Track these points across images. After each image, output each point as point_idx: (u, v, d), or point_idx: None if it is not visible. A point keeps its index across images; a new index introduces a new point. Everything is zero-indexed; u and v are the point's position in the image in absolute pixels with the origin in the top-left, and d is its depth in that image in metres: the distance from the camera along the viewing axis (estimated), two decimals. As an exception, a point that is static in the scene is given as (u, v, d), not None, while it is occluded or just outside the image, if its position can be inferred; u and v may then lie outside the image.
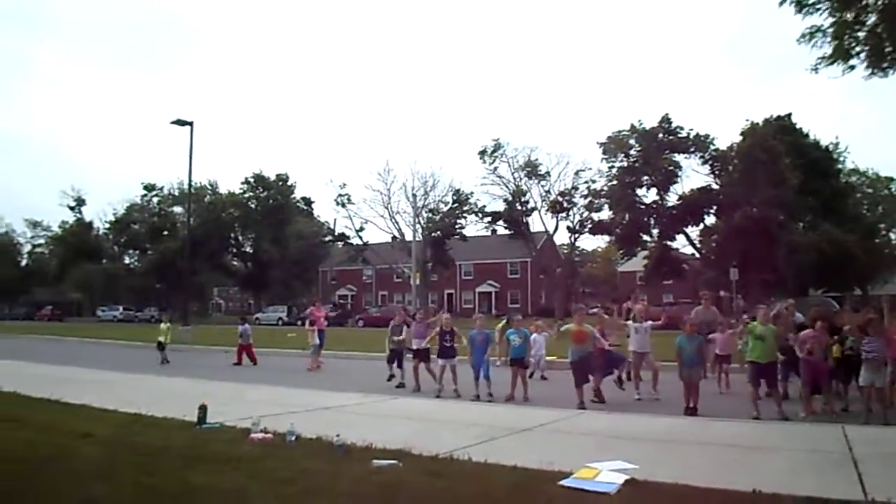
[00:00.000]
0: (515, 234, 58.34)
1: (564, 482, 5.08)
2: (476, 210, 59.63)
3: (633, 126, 52.63)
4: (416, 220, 56.00)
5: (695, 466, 5.75)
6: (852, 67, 10.93)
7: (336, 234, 68.70)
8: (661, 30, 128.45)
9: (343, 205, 61.60)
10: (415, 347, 13.00)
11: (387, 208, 59.74)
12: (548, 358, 15.33)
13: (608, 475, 5.24)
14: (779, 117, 56.58)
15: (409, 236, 55.89)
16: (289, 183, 76.00)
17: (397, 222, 60.05)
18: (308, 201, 78.72)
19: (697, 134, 52.34)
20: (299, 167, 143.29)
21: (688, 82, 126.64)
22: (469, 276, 73.19)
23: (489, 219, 59.30)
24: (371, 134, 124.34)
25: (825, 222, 52.79)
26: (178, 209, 73.75)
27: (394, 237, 60.99)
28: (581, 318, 11.18)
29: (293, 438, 6.81)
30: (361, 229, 63.36)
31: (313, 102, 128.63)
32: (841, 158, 63.99)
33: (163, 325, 20.01)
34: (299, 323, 35.04)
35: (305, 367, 17.02)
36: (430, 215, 60.05)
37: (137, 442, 6.62)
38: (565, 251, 64.69)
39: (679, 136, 52.18)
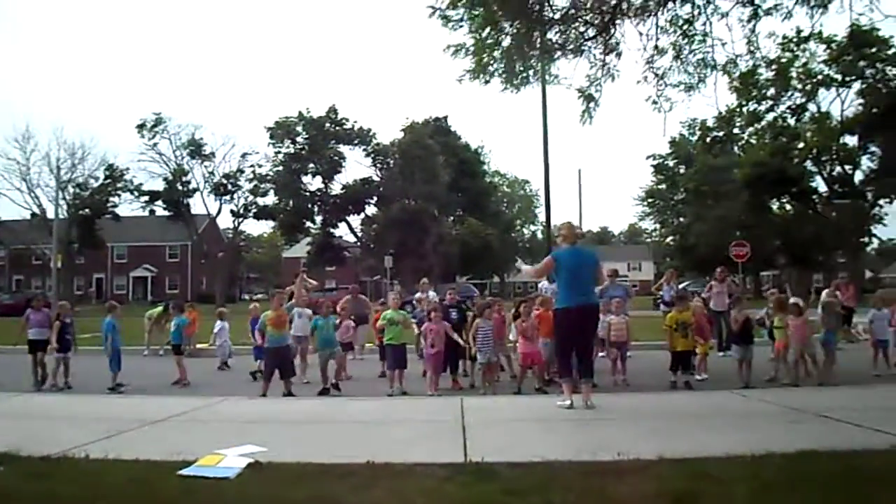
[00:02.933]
0: (175, 215, 55.16)
1: (184, 471, 4.91)
2: (132, 188, 55.04)
3: (301, 114, 53.08)
4: (61, 196, 50.30)
5: (322, 444, 5.94)
6: (487, 82, 12.09)
7: (-43, 206, 58.82)
8: (325, 21, 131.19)
9: (-33, 173, 52.94)
10: (31, 338, 11.69)
11: (24, 180, 52.52)
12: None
13: (232, 460, 5.17)
14: (436, 119, 61.20)
15: (51, 213, 49.98)
16: None
17: (37, 197, 52.98)
18: (-79, 165, 66.16)
19: (361, 127, 54.43)
20: None
21: (355, 76, 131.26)
22: (122, 259, 67.68)
23: (147, 198, 55.14)
24: (5, 91, 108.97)
25: (471, 217, 58.47)
26: None
27: (33, 214, 53.83)
28: (279, 303, 10.66)
29: None
30: (-9, 203, 55.19)
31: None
32: (486, 161, 71.21)
33: None
34: None
35: None
36: (79, 191, 54.20)
37: None
38: (229, 235, 63.00)
39: (345, 127, 53.79)
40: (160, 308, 17.33)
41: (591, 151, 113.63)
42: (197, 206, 55.84)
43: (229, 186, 54.18)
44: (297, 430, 6.83)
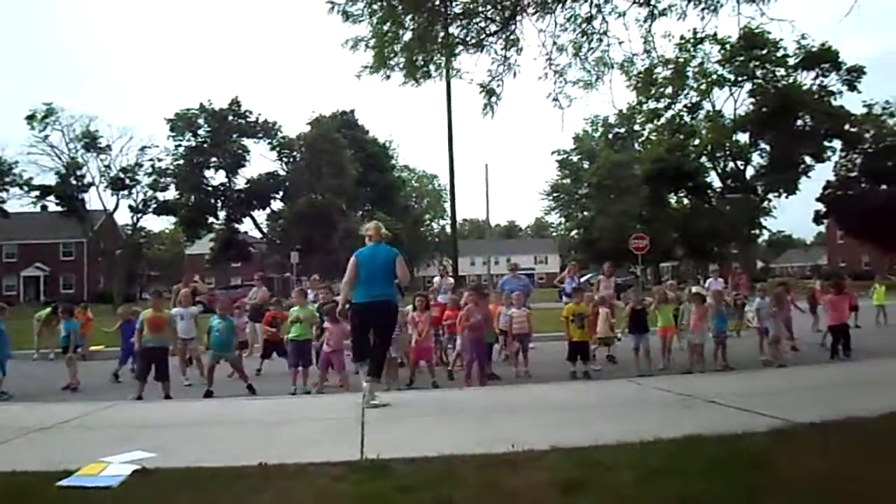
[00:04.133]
0: (69, 211, 52.62)
1: (64, 482, 4.64)
2: (21, 182, 52.12)
3: (202, 105, 51.75)
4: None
5: (216, 447, 5.76)
6: (388, 77, 12.03)
7: None
8: (229, 11, 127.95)
9: None
10: None
11: None
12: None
13: (116, 468, 4.91)
14: (344, 112, 60.70)
15: (-70, 210, 46.86)
16: None
17: (-85, 193, 49.75)
18: None
19: (266, 120, 53.62)
20: None
21: (259, 68, 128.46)
22: (12, 258, 63.80)
23: (38, 193, 52.34)
24: None
25: (380, 211, 58.28)
26: None
27: None
28: (159, 304, 10.13)
29: None
30: None
31: None
32: (394, 155, 71.21)
33: None
34: None
35: None
36: (-39, 187, 51.15)
37: None
38: (128, 232, 60.61)
39: (248, 120, 52.84)
40: (49, 309, 16.44)
41: (498, 146, 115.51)
42: (93, 201, 53.59)
43: (127, 181, 52.22)
44: (191, 433, 6.59)
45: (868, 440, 5.14)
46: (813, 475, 4.24)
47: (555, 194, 76.14)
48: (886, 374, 9.02)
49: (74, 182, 51.27)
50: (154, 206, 53.57)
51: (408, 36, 11.79)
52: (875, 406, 6.23)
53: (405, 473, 4.56)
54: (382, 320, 7.79)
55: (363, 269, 7.73)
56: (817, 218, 56.18)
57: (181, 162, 51.73)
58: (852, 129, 47.86)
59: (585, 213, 64.50)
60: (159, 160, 52.50)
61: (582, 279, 27.11)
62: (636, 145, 58.35)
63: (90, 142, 50.93)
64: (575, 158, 69.86)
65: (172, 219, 57.36)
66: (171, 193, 53.25)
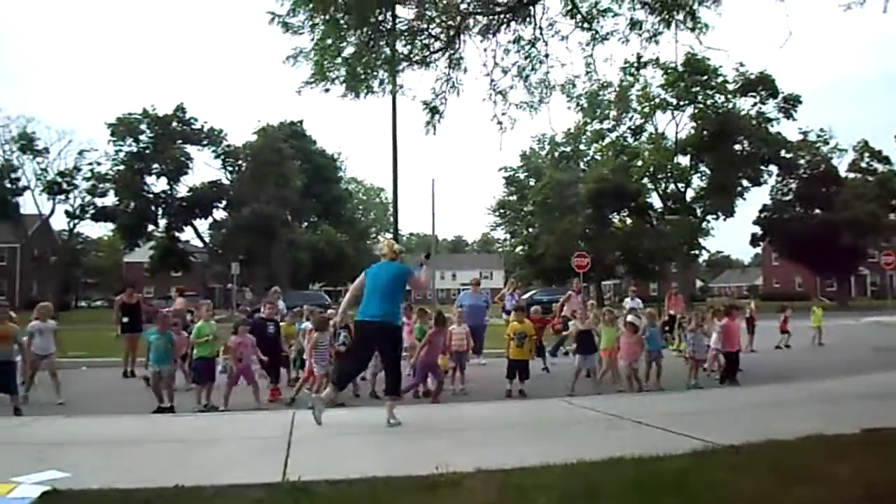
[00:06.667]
0: (2, 215, 51.04)
1: (-33, 504, 4.48)
2: (-48, 184, 50.42)
3: (145, 111, 50.68)
4: None
5: (135, 467, 5.56)
6: (328, 90, 11.97)
7: None
8: (176, 17, 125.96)
9: None
10: None
11: None
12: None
13: (26, 489, 4.70)
14: (291, 122, 60.20)
15: None
16: None
17: None
18: None
19: (212, 128, 52.76)
20: None
21: (205, 75, 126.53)
22: (-59, 262, 61.54)
23: (-31, 196, 50.71)
24: None
25: (325, 223, 57.90)
26: None
27: None
28: (2, 318, 9.55)
29: None
30: None
31: None
32: (342, 167, 70.87)
33: None
34: None
35: None
36: None
37: None
38: (64, 237, 58.86)
39: (193, 127, 51.89)
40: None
41: (447, 161, 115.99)
42: (27, 205, 51.99)
43: (64, 185, 50.87)
44: (110, 453, 6.34)
45: (784, 463, 5.24)
46: (725, 499, 4.31)
47: (501, 210, 76.67)
48: (811, 396, 9.27)
49: (9, 185, 49.70)
50: (92, 211, 52.14)
51: (349, 50, 11.77)
52: (795, 428, 6.39)
53: (325, 496, 4.48)
54: (382, 340, 7.44)
55: (366, 286, 7.51)
56: (754, 240, 57.83)
57: (122, 167, 50.47)
58: (788, 155, 49.45)
59: (530, 230, 65.02)
60: (98, 164, 51.32)
61: (523, 296, 27.35)
62: (582, 164, 59.16)
63: (26, 144, 49.55)
64: (522, 176, 70.50)
65: (111, 225, 55.98)
66: (110, 199, 51.97)
